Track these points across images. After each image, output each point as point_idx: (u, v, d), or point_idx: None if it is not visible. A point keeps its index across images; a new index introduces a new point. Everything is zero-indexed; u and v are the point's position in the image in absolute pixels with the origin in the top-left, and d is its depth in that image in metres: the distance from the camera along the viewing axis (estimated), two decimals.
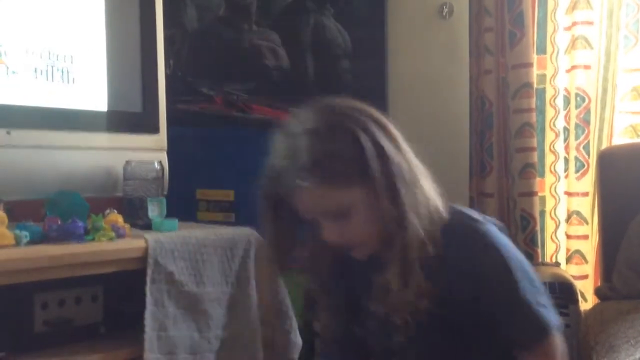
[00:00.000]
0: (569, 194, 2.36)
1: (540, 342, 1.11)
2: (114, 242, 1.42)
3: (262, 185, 1.14)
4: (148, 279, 1.41)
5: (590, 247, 2.33)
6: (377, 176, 1.06)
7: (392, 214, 1.07)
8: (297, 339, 1.64)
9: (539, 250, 2.38)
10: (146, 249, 1.41)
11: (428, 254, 1.07)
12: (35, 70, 1.53)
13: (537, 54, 2.41)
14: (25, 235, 1.31)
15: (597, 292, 2.17)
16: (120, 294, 1.51)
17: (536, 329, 1.11)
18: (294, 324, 1.65)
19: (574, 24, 2.32)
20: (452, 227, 1.11)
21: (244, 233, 1.61)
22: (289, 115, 1.15)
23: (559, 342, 1.12)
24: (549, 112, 2.42)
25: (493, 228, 1.13)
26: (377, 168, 1.07)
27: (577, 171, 2.33)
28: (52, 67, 1.58)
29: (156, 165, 1.66)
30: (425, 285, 1.07)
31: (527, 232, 2.35)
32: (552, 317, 1.12)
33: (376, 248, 1.12)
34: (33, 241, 1.32)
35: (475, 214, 1.16)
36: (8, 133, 1.47)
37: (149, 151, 1.71)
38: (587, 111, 2.32)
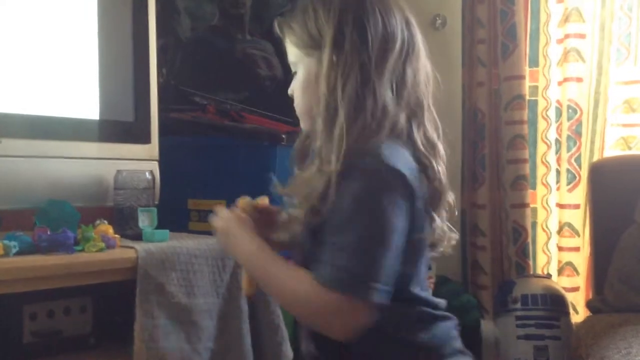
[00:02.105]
0: (560, 206, 2.36)
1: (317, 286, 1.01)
2: (103, 253, 1.40)
3: None
4: (138, 290, 1.40)
5: (581, 259, 2.34)
6: (326, 71, 1.08)
7: (328, 99, 1.08)
8: (289, 351, 1.63)
9: (531, 262, 2.38)
10: (136, 260, 1.40)
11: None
12: (26, 79, 1.52)
13: (530, 66, 2.42)
14: (14, 245, 1.30)
15: (589, 304, 2.17)
16: (110, 305, 1.49)
17: (325, 273, 1.02)
18: (285, 335, 1.64)
19: (567, 36, 2.33)
20: (361, 152, 1.03)
21: None
22: None
23: (327, 299, 1.00)
24: (541, 124, 2.43)
25: (391, 183, 1.02)
26: (329, 63, 1.08)
27: (568, 183, 2.33)
28: (44, 74, 1.57)
29: (147, 175, 1.65)
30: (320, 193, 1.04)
31: (518, 244, 2.36)
32: (335, 277, 1.00)
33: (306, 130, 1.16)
34: (22, 251, 1.31)
35: (396, 163, 1.04)
36: None
37: (141, 161, 1.70)
38: (579, 123, 2.33)
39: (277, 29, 1.21)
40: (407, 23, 1.14)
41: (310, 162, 1.12)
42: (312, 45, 1.13)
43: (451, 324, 1.17)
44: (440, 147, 1.17)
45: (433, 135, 1.16)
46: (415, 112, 1.12)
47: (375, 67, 1.08)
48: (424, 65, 1.15)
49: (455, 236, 1.17)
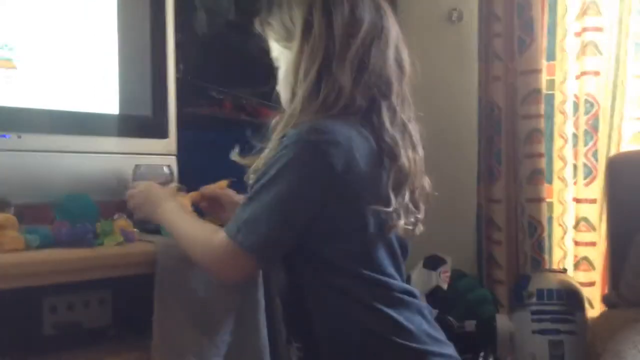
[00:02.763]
0: (577, 200, 2.35)
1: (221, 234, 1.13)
2: (122, 247, 1.42)
3: None
4: (156, 284, 1.41)
5: (598, 254, 2.33)
6: (304, 54, 1.14)
7: (292, 84, 1.16)
8: None
9: (547, 257, 2.38)
10: (155, 254, 1.42)
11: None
12: (46, 74, 1.54)
13: (547, 60, 2.41)
14: (35, 239, 1.32)
15: (605, 299, 2.17)
16: (128, 298, 1.51)
17: (230, 226, 1.12)
18: None
19: (584, 30, 2.32)
20: (295, 126, 1.12)
21: None
22: None
23: (228, 251, 1.12)
24: (558, 118, 2.42)
25: (315, 141, 1.09)
26: (299, 40, 1.14)
27: (585, 178, 2.32)
28: (64, 70, 1.58)
29: (165, 169, 1.66)
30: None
31: (534, 238, 2.35)
32: (239, 232, 1.11)
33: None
34: (43, 245, 1.33)
35: (328, 136, 1.09)
36: (19, 137, 1.48)
37: (159, 155, 1.71)
38: (596, 118, 2.32)
39: (258, 28, 1.26)
40: (377, 8, 1.19)
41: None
42: (288, 37, 1.19)
43: (416, 308, 1.17)
44: (412, 130, 1.19)
45: (403, 117, 1.19)
46: (378, 94, 1.16)
47: (339, 50, 1.14)
48: (394, 50, 1.20)
49: (419, 216, 1.19)
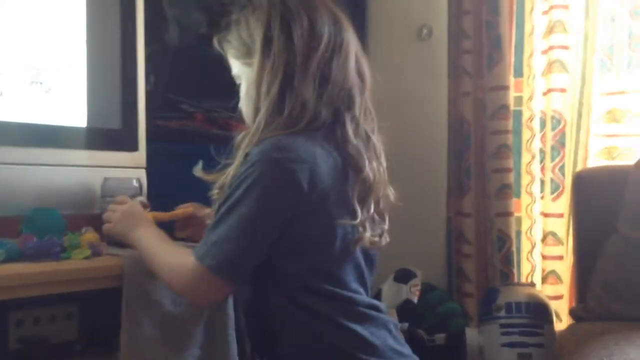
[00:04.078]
0: (544, 214, 2.38)
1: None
2: (90, 260, 1.40)
3: None
4: (124, 298, 1.40)
5: (565, 268, 2.36)
6: (259, 65, 1.14)
7: (255, 101, 1.16)
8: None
9: (515, 270, 2.40)
10: (122, 267, 1.40)
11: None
12: (14, 86, 1.53)
13: (514, 76, 2.44)
14: (1, 253, 1.30)
15: (572, 313, 2.19)
16: (96, 313, 1.50)
17: (198, 249, 1.13)
18: None
19: (551, 47, 2.36)
20: (259, 143, 1.12)
21: None
22: None
23: (198, 275, 1.12)
24: (526, 134, 2.45)
25: (278, 160, 1.09)
26: (259, 58, 1.15)
27: (552, 192, 2.35)
28: (31, 82, 1.57)
29: (135, 182, 1.65)
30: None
31: (503, 252, 2.38)
32: (207, 254, 1.11)
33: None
34: (9, 259, 1.31)
35: (292, 154, 1.10)
36: None
37: (128, 168, 1.70)
38: (563, 133, 2.35)
39: (217, 46, 1.27)
40: (336, 21, 1.20)
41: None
42: (247, 54, 1.20)
43: (381, 323, 1.18)
44: (375, 141, 1.21)
45: (366, 128, 1.20)
46: (342, 107, 1.17)
47: (300, 65, 1.14)
48: (354, 62, 1.20)
49: (385, 227, 1.21)
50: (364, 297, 1.18)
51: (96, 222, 1.56)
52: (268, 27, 1.16)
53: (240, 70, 1.23)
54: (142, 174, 1.73)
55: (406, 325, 2.18)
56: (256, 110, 1.16)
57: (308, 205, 1.09)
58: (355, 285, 1.16)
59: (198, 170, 1.25)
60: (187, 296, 1.24)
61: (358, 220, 1.13)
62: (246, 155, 1.12)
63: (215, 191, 1.20)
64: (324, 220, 1.11)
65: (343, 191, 1.13)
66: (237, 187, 1.09)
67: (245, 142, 1.15)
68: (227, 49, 1.25)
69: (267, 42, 1.16)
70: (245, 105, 1.24)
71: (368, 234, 1.15)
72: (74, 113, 1.65)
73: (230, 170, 1.15)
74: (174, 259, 1.19)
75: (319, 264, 1.13)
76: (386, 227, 1.20)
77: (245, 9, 1.21)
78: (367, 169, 1.16)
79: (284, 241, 1.10)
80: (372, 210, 1.16)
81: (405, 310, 2.22)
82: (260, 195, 1.08)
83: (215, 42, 1.26)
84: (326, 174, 1.10)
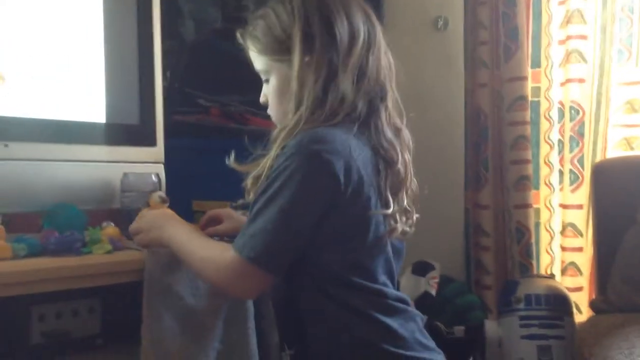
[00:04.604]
0: (563, 206, 2.37)
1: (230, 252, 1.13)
2: (111, 255, 1.41)
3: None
4: (145, 292, 1.41)
5: (584, 260, 2.34)
6: (297, 58, 1.14)
7: (298, 96, 1.14)
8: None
9: (534, 263, 2.39)
10: (143, 262, 1.41)
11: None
12: (33, 82, 1.54)
13: (532, 67, 2.43)
14: (22, 248, 1.31)
15: (592, 305, 2.18)
16: (117, 307, 1.51)
17: (237, 241, 1.13)
18: None
19: (568, 37, 2.34)
20: (297, 135, 1.12)
21: None
22: None
23: (238, 267, 1.12)
24: (544, 125, 2.44)
25: (317, 151, 1.09)
26: (299, 50, 1.14)
27: (571, 184, 2.34)
28: (51, 78, 1.58)
29: (153, 177, 1.66)
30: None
31: (522, 244, 2.37)
32: (246, 246, 1.11)
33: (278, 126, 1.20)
34: (31, 254, 1.33)
35: (328, 146, 1.10)
36: (6, 146, 1.47)
37: (147, 163, 1.71)
38: (582, 124, 2.34)
39: (240, 40, 1.26)
40: (368, 16, 1.21)
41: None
42: (281, 50, 1.18)
43: (409, 316, 1.18)
44: (405, 133, 1.22)
45: (397, 120, 1.22)
46: (376, 99, 1.18)
47: (342, 62, 1.15)
48: (384, 54, 1.22)
49: (414, 217, 1.21)
50: (392, 290, 1.18)
51: (116, 217, 1.57)
52: (306, 22, 1.16)
53: (269, 66, 1.22)
54: (161, 169, 1.74)
55: (425, 318, 2.17)
56: (298, 105, 1.16)
57: (343, 197, 1.10)
58: (384, 277, 1.17)
59: (231, 162, 1.25)
60: (227, 289, 1.23)
61: (391, 211, 1.14)
62: (283, 147, 1.12)
63: (249, 181, 1.19)
64: (358, 212, 1.12)
65: (376, 183, 1.14)
66: (275, 179, 1.09)
67: (282, 136, 1.15)
68: (253, 44, 1.24)
69: (307, 38, 1.15)
70: (278, 100, 1.23)
71: (400, 225, 1.15)
72: (92, 109, 1.66)
73: (266, 162, 1.15)
74: (211, 252, 1.19)
75: (351, 256, 1.13)
76: (415, 217, 1.21)
77: (272, 3, 1.21)
78: (400, 160, 1.17)
79: (318, 232, 1.11)
80: (404, 201, 1.17)
81: (423, 302, 2.22)
82: (298, 186, 1.08)
83: (238, 36, 1.26)
84: (361, 166, 1.11)
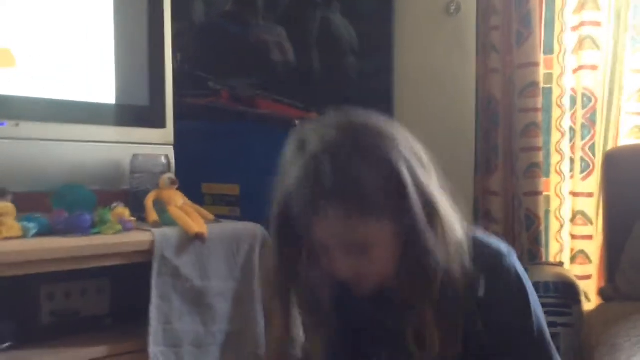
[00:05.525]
0: (574, 194, 2.35)
1: None
2: (120, 235, 1.42)
3: (274, 207, 1.03)
4: (154, 273, 1.41)
5: (594, 248, 2.33)
6: (417, 212, 0.96)
7: (429, 246, 0.98)
8: (300, 335, 1.65)
9: (543, 250, 2.38)
10: (152, 243, 1.42)
11: (457, 295, 1.00)
12: (44, 63, 1.54)
13: (544, 53, 2.40)
14: (32, 227, 1.32)
15: (601, 292, 2.17)
16: (126, 287, 1.51)
17: None
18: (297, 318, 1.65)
19: (582, 24, 2.31)
20: (478, 265, 1.03)
21: (250, 228, 1.62)
22: (300, 128, 1.04)
23: None
24: (555, 112, 2.41)
25: (516, 261, 1.08)
26: (417, 204, 0.97)
27: (582, 171, 2.32)
28: (61, 59, 1.58)
29: (163, 159, 1.67)
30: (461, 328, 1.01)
31: (531, 231, 2.35)
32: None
33: (386, 286, 1.03)
34: (40, 233, 1.33)
35: (491, 242, 1.09)
36: (16, 125, 1.48)
37: (156, 145, 1.71)
38: (594, 111, 2.32)
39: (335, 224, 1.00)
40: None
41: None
42: (374, 216, 0.99)
43: None
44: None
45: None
46: None
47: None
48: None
49: None
50: None
51: (125, 198, 1.58)
52: (393, 185, 0.99)
53: (372, 237, 1.03)
54: (170, 151, 1.74)
55: None
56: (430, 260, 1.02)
57: None
58: None
59: None
60: None
61: None
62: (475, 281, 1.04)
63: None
64: None
65: None
66: (520, 313, 1.08)
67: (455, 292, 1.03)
68: (354, 225, 1.00)
69: (399, 206, 1.01)
70: (392, 258, 1.04)
71: None
72: (102, 90, 1.66)
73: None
74: None
75: None
76: None
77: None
78: None
79: None
80: None
81: None
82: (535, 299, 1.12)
83: (331, 222, 0.99)
84: None
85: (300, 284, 1.06)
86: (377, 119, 1.01)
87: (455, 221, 1.04)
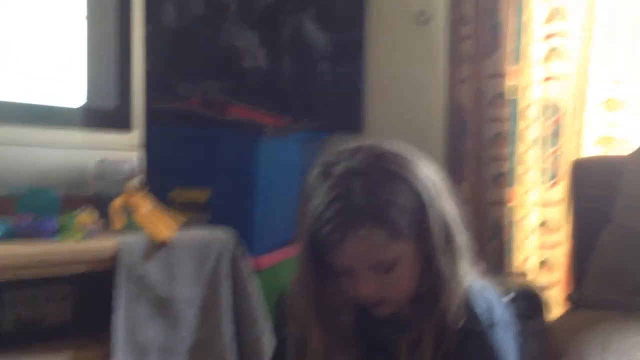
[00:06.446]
0: (540, 203, 2.38)
1: None
2: (84, 242, 1.40)
3: (302, 231, 1.04)
4: (118, 280, 1.39)
5: (560, 256, 2.36)
6: (437, 233, 1.03)
7: (444, 272, 1.04)
8: (267, 345, 1.64)
9: (508, 260, 2.40)
10: (117, 250, 1.40)
11: (454, 326, 1.04)
12: (10, 65, 1.51)
13: (513, 64, 2.43)
14: None
15: (569, 298, 2.20)
16: (90, 294, 1.49)
17: None
18: (266, 327, 1.64)
19: (550, 35, 2.34)
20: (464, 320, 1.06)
21: (219, 234, 1.60)
22: (323, 154, 1.07)
23: None
24: (522, 122, 2.44)
25: (502, 336, 1.08)
26: (436, 225, 1.02)
27: (548, 181, 2.35)
28: (26, 61, 1.55)
29: (130, 164, 1.64)
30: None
31: (496, 241, 2.37)
32: None
33: (403, 306, 1.08)
34: (3, 238, 1.30)
35: (486, 304, 1.09)
36: None
37: (124, 149, 1.69)
38: (560, 122, 2.34)
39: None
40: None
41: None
42: (402, 236, 1.03)
43: None
44: None
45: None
46: None
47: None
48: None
49: None
50: None
51: (92, 203, 1.55)
52: (414, 209, 1.05)
53: (396, 256, 1.07)
54: (138, 156, 1.72)
55: None
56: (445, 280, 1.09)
57: None
58: None
59: None
60: None
61: None
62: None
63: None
64: None
65: None
66: None
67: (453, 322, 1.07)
68: (379, 244, 1.04)
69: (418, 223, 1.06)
70: (412, 278, 1.10)
71: None
72: (69, 93, 1.63)
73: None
74: None
75: None
76: None
77: None
78: None
79: None
80: None
81: None
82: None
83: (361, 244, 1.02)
84: None
85: (326, 307, 1.09)
86: (398, 145, 1.07)
87: (465, 257, 1.09)
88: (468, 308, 1.07)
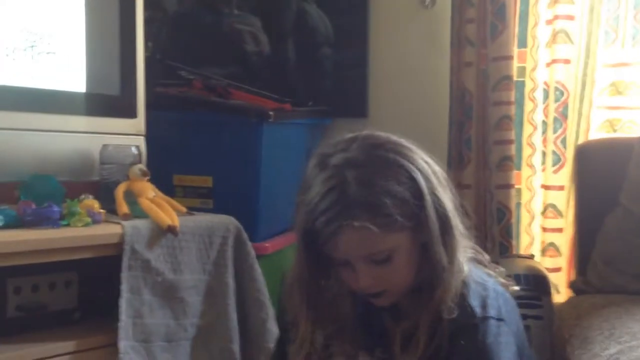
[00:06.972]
0: (545, 187, 2.37)
1: None
2: (89, 228, 1.40)
3: (298, 221, 1.05)
4: (124, 266, 1.39)
5: (564, 240, 2.35)
6: (433, 223, 1.03)
7: (441, 263, 1.04)
8: (274, 328, 1.64)
9: (514, 243, 2.39)
10: (122, 236, 1.39)
11: (449, 317, 1.04)
12: (12, 50, 1.50)
13: (518, 47, 2.41)
14: None
15: (572, 285, 2.19)
16: (95, 280, 1.49)
17: None
18: (271, 312, 1.64)
19: (556, 17, 2.32)
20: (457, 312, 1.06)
21: (223, 220, 1.60)
22: (321, 145, 1.08)
23: None
24: (528, 105, 2.43)
25: (494, 330, 1.05)
26: (433, 214, 1.03)
27: (553, 165, 2.34)
28: (30, 47, 1.54)
29: (133, 149, 1.64)
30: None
31: (502, 224, 2.37)
32: None
33: (401, 296, 1.09)
34: (7, 225, 1.30)
35: (480, 294, 1.08)
36: None
37: (127, 135, 1.68)
38: (566, 105, 2.33)
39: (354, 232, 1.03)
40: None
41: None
42: (397, 227, 1.04)
43: None
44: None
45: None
46: None
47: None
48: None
49: None
50: None
51: (95, 189, 1.55)
52: (412, 200, 1.07)
53: (392, 246, 1.09)
54: (141, 141, 1.72)
55: None
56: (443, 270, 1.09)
57: None
58: None
59: None
60: None
61: None
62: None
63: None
64: None
65: None
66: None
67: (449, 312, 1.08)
68: (372, 232, 1.05)
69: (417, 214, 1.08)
70: (411, 268, 1.11)
71: None
72: (72, 79, 1.63)
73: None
74: None
75: None
76: None
77: None
78: None
79: None
80: None
81: None
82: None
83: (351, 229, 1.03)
84: None
85: (321, 297, 1.10)
86: (394, 137, 1.08)
87: (462, 248, 1.09)
88: (463, 300, 1.07)
